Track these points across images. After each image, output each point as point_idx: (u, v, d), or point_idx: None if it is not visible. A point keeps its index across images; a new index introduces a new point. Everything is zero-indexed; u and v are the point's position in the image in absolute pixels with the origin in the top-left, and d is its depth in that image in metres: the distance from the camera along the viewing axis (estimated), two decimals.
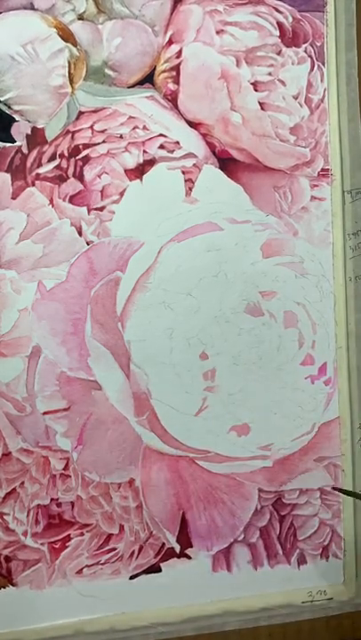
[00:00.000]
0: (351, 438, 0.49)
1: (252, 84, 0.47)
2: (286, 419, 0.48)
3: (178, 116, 0.46)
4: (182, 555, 0.47)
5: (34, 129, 0.44)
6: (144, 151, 0.46)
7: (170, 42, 0.46)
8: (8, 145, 0.44)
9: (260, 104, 0.47)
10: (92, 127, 0.45)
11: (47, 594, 0.45)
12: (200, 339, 0.47)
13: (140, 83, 0.46)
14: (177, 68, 0.46)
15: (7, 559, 0.45)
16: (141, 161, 0.46)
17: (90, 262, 0.45)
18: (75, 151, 0.45)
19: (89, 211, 0.45)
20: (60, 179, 0.45)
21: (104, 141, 0.45)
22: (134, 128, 0.45)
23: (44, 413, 0.45)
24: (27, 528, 0.45)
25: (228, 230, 0.47)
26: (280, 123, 0.47)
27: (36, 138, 0.44)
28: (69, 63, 0.44)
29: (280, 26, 0.47)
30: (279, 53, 0.47)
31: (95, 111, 0.45)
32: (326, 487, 0.49)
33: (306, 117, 0.48)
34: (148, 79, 0.46)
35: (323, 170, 0.48)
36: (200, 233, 0.46)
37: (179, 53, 0.46)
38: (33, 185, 0.44)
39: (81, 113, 0.45)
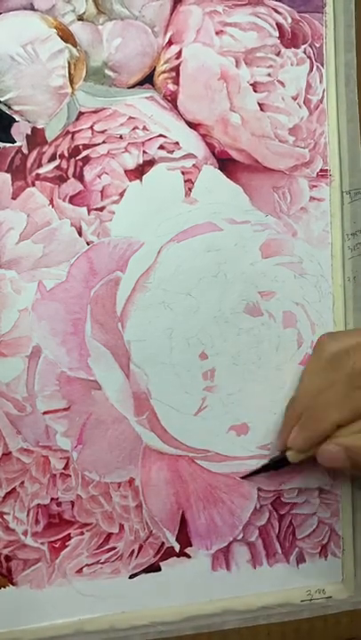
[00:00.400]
0: None
1: (251, 84, 0.47)
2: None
3: (177, 116, 0.46)
4: (182, 554, 0.47)
5: (34, 129, 0.44)
6: (144, 152, 0.46)
7: (170, 43, 0.46)
8: (8, 145, 0.44)
9: (260, 105, 0.47)
10: (92, 128, 0.45)
11: (47, 593, 0.45)
12: (199, 339, 0.47)
13: (140, 83, 0.46)
14: (177, 69, 0.46)
15: (7, 558, 0.45)
16: (141, 161, 0.46)
17: (90, 262, 0.45)
18: (75, 151, 0.45)
19: (89, 211, 0.45)
20: (60, 179, 0.45)
21: (104, 142, 0.45)
22: (134, 128, 0.46)
23: (44, 413, 0.45)
24: (27, 527, 0.45)
25: (228, 230, 0.47)
26: (279, 123, 0.48)
27: (36, 138, 0.44)
28: (69, 64, 0.44)
29: (279, 27, 0.47)
30: (278, 54, 0.47)
31: (95, 112, 0.45)
32: (325, 486, 0.49)
33: (305, 118, 0.48)
34: (147, 80, 0.46)
35: (322, 170, 0.49)
36: (200, 233, 0.47)
37: (178, 54, 0.46)
38: (33, 185, 0.44)
39: (81, 113, 0.45)
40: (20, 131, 0.44)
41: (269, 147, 0.48)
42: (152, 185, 0.46)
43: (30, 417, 0.44)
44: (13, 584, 0.45)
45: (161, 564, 0.47)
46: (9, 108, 0.44)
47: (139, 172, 0.46)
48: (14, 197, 0.44)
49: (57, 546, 0.45)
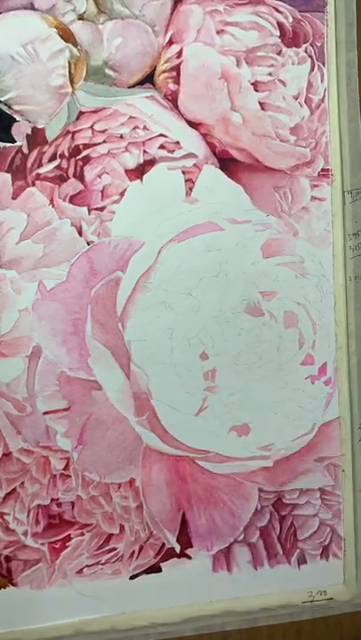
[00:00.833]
0: (351, 438, 0.49)
1: (252, 84, 0.47)
2: (286, 419, 0.48)
3: (178, 116, 0.46)
4: (182, 555, 0.47)
5: (34, 129, 0.44)
6: (144, 151, 0.46)
7: (170, 42, 0.46)
8: (8, 145, 0.44)
9: (261, 104, 0.47)
10: (92, 127, 0.45)
11: (47, 594, 0.45)
12: (200, 339, 0.47)
13: (141, 83, 0.46)
14: (177, 68, 0.46)
15: (7, 559, 0.45)
16: (142, 161, 0.46)
17: (90, 262, 0.45)
18: (75, 151, 0.45)
19: (89, 211, 0.45)
20: (61, 179, 0.45)
21: (104, 141, 0.45)
22: (135, 128, 0.46)
23: (45, 413, 0.45)
24: (27, 528, 0.45)
25: (229, 230, 0.47)
26: (280, 123, 0.47)
27: (36, 138, 0.44)
28: (70, 63, 0.44)
29: (280, 26, 0.47)
30: (279, 53, 0.47)
31: (95, 111, 0.45)
32: (327, 487, 0.49)
33: (306, 117, 0.48)
34: (148, 79, 0.46)
35: (323, 170, 0.48)
36: (200, 233, 0.47)
37: (179, 53, 0.46)
38: (33, 185, 0.44)
39: (81, 113, 0.45)
40: (20, 130, 0.44)
41: (270, 146, 0.47)
42: (153, 184, 0.46)
43: (30, 417, 0.44)
44: (14, 584, 0.45)
45: (161, 564, 0.47)
46: (9, 107, 0.44)
47: (139, 171, 0.46)
48: (14, 197, 0.44)
49: (57, 546, 0.45)
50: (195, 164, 0.46)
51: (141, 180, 0.46)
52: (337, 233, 0.49)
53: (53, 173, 0.45)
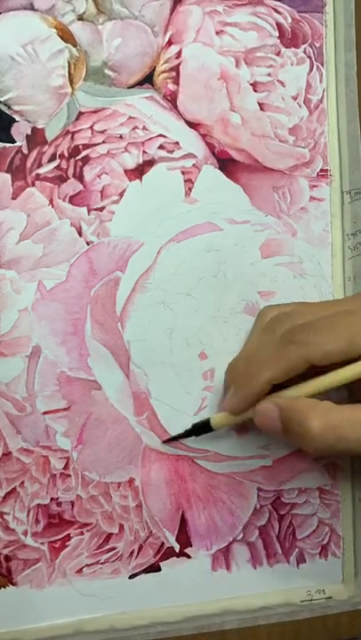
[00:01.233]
0: None
1: (251, 84, 0.47)
2: None
3: (177, 116, 0.46)
4: (182, 554, 0.47)
5: (34, 129, 0.44)
6: (144, 151, 0.46)
7: (169, 42, 0.46)
8: (8, 145, 0.44)
9: (260, 105, 0.47)
10: (91, 127, 0.45)
11: (47, 593, 0.45)
12: (199, 339, 0.47)
13: (140, 83, 0.46)
14: (176, 69, 0.46)
15: (7, 558, 0.45)
16: (141, 161, 0.46)
17: (90, 262, 0.45)
18: (75, 151, 0.45)
19: (89, 211, 0.45)
20: (60, 179, 0.45)
21: (104, 142, 0.45)
22: (134, 128, 0.46)
23: (44, 413, 0.45)
24: (27, 527, 0.45)
25: (228, 230, 0.47)
26: (279, 123, 0.48)
27: (36, 138, 0.44)
28: (69, 64, 0.44)
29: (279, 26, 0.47)
30: (278, 54, 0.47)
31: (95, 111, 0.45)
32: (325, 487, 0.49)
33: (305, 118, 0.48)
34: (147, 80, 0.46)
35: (322, 170, 0.48)
36: (199, 233, 0.47)
37: (178, 54, 0.46)
38: (33, 185, 0.44)
39: (81, 113, 0.45)
40: (19, 131, 0.44)
41: (269, 146, 0.48)
42: (152, 185, 0.46)
43: (30, 417, 0.44)
44: (13, 584, 0.45)
45: (161, 564, 0.47)
46: (9, 107, 0.44)
47: (139, 171, 0.46)
48: (14, 197, 0.44)
49: (57, 546, 0.45)
50: (194, 165, 0.47)
51: (141, 180, 0.46)
52: (336, 233, 0.49)
53: (53, 174, 0.45)
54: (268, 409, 0.42)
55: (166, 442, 0.46)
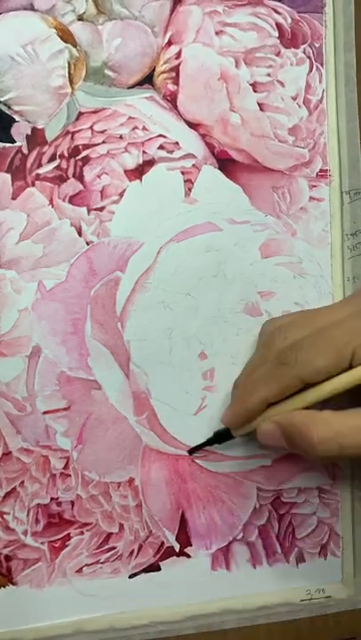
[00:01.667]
0: None
1: (251, 84, 0.47)
2: None
3: (177, 116, 0.46)
4: (181, 553, 0.47)
5: (34, 129, 0.44)
6: (144, 152, 0.46)
7: (169, 43, 0.46)
8: (8, 145, 0.44)
9: (259, 105, 0.47)
10: (91, 128, 0.45)
11: (47, 593, 0.45)
12: (199, 338, 0.47)
13: (140, 83, 0.46)
14: (176, 69, 0.46)
15: (7, 558, 0.45)
16: (141, 161, 0.46)
17: (90, 262, 0.45)
18: (74, 152, 0.45)
19: (89, 211, 0.45)
20: (60, 179, 0.45)
21: (104, 142, 0.45)
22: (134, 129, 0.46)
23: (44, 413, 0.45)
24: (27, 527, 0.45)
25: (228, 230, 0.47)
26: (279, 123, 0.48)
27: (35, 138, 0.44)
28: (69, 64, 0.44)
29: (279, 27, 0.47)
30: (278, 54, 0.48)
31: (95, 112, 0.45)
32: (325, 486, 0.49)
33: (304, 118, 0.48)
34: (147, 80, 0.46)
35: (321, 170, 0.49)
36: (199, 233, 0.47)
37: (178, 54, 0.46)
38: (33, 185, 0.44)
39: (81, 113, 0.45)
40: (19, 131, 0.44)
41: (269, 147, 0.48)
42: (152, 185, 0.46)
43: (30, 417, 0.45)
44: (13, 584, 0.45)
45: (161, 563, 0.47)
46: (9, 108, 0.44)
47: (138, 171, 0.46)
48: (14, 197, 0.44)
49: (57, 545, 0.45)
50: (194, 165, 0.47)
51: (141, 180, 0.46)
52: (335, 233, 0.49)
53: (53, 174, 0.45)
54: (270, 429, 0.42)
55: (191, 452, 0.46)
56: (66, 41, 0.44)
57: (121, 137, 0.45)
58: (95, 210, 0.45)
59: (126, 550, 0.46)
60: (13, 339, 0.44)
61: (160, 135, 0.46)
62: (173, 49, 0.46)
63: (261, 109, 0.47)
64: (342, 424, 0.39)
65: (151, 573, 0.47)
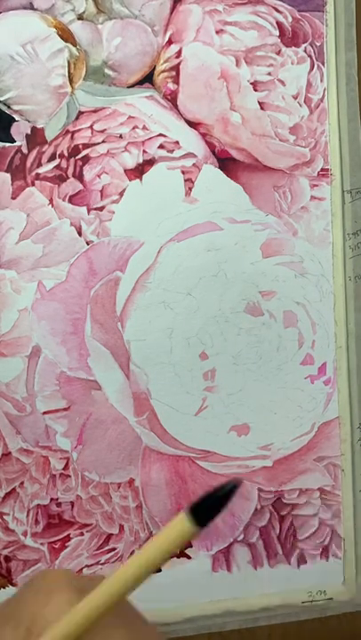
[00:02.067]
0: (351, 438, 0.49)
1: (251, 83, 0.47)
2: (286, 418, 0.48)
3: (177, 115, 0.46)
4: (182, 555, 0.47)
5: (33, 129, 0.44)
6: (144, 151, 0.46)
7: (169, 42, 0.46)
8: (8, 145, 0.44)
9: (260, 104, 0.47)
10: (91, 127, 0.45)
11: None
12: (200, 338, 0.47)
13: (140, 82, 0.46)
14: (176, 68, 0.46)
15: (7, 559, 0.45)
16: (141, 161, 0.46)
17: (90, 262, 0.45)
18: (74, 151, 0.45)
19: (89, 210, 0.45)
20: (60, 179, 0.45)
21: (104, 141, 0.45)
22: (134, 128, 0.45)
23: (44, 413, 0.45)
24: (26, 528, 0.45)
25: (228, 230, 0.47)
26: (280, 122, 0.47)
27: (35, 138, 0.44)
28: (69, 63, 0.44)
29: (280, 26, 0.47)
30: (279, 53, 0.47)
31: (95, 111, 0.45)
32: (326, 487, 0.49)
33: (305, 117, 0.48)
34: (147, 79, 0.46)
35: (322, 169, 0.48)
36: (200, 232, 0.46)
37: (178, 53, 0.46)
38: (33, 185, 0.44)
39: (81, 113, 0.45)
40: (19, 130, 0.44)
41: (270, 146, 0.47)
42: (152, 184, 0.46)
43: (30, 417, 0.44)
44: (13, 585, 0.45)
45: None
46: (8, 107, 0.44)
47: (139, 171, 0.46)
48: (14, 197, 0.44)
49: (57, 546, 0.45)
50: (194, 164, 0.46)
51: (141, 179, 0.46)
52: (336, 232, 0.49)
53: (53, 173, 0.45)
54: None
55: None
56: (66, 40, 0.44)
57: (121, 136, 0.45)
58: (95, 209, 0.45)
59: (126, 551, 0.46)
60: (13, 339, 0.44)
61: (160, 134, 0.46)
62: (173, 48, 0.46)
63: (262, 108, 0.47)
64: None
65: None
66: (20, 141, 0.44)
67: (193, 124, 0.46)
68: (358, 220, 0.49)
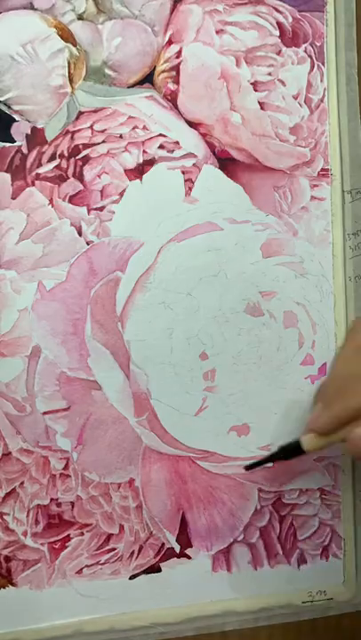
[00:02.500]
0: None
1: (251, 83, 0.47)
2: (286, 419, 0.48)
3: (178, 115, 0.46)
4: (182, 555, 0.47)
5: (34, 129, 0.44)
6: (144, 151, 0.46)
7: (170, 42, 0.46)
8: (8, 145, 0.44)
9: (260, 104, 0.47)
10: (91, 127, 0.45)
11: (47, 594, 0.45)
12: (200, 339, 0.47)
13: (140, 83, 0.46)
14: (177, 68, 0.46)
15: (7, 559, 0.45)
16: (141, 161, 0.46)
17: (90, 262, 0.45)
18: (74, 151, 0.45)
19: (89, 211, 0.45)
20: (60, 179, 0.45)
21: (104, 141, 0.45)
22: (134, 128, 0.45)
23: (44, 413, 0.44)
24: (26, 528, 0.45)
25: (228, 230, 0.47)
26: (280, 123, 0.47)
27: (35, 138, 0.44)
28: (69, 63, 0.44)
29: (280, 26, 0.47)
30: (279, 53, 0.47)
31: (95, 111, 0.45)
32: (326, 487, 0.49)
33: (306, 117, 0.48)
34: (147, 79, 0.46)
35: (323, 170, 0.48)
36: (200, 233, 0.46)
37: (178, 53, 0.46)
38: (33, 185, 0.44)
39: (81, 113, 0.45)
40: (19, 130, 0.44)
41: (270, 146, 0.47)
42: (152, 184, 0.46)
43: (30, 417, 0.44)
44: (13, 585, 0.45)
45: (161, 564, 0.47)
46: (9, 107, 0.44)
47: (139, 171, 0.46)
48: (14, 197, 0.44)
49: (57, 546, 0.45)
50: (194, 164, 0.46)
51: (141, 179, 0.46)
52: (337, 233, 0.49)
53: (53, 173, 0.45)
54: None
55: (248, 468, 0.45)
56: (66, 40, 0.44)
57: (121, 136, 0.45)
58: (95, 209, 0.45)
59: (127, 551, 0.46)
60: (13, 339, 0.44)
61: (160, 134, 0.46)
62: (174, 48, 0.46)
63: (262, 108, 0.47)
64: None
65: (151, 574, 0.46)
66: (21, 141, 0.44)
67: (193, 125, 0.46)
68: (358, 220, 0.49)
